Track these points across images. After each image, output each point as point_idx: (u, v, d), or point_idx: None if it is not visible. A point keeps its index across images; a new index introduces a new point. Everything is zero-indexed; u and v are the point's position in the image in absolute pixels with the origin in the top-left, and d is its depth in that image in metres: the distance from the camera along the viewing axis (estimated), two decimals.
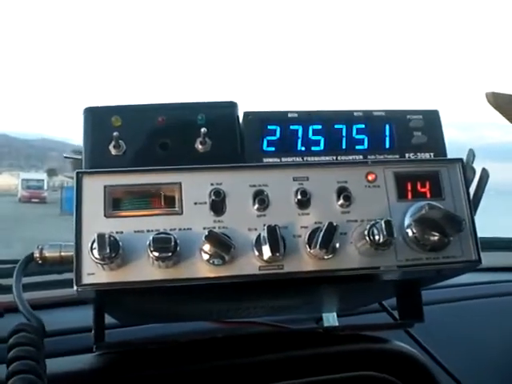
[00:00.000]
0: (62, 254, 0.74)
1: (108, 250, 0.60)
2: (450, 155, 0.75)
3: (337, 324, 1.02)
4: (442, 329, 1.11)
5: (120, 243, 0.62)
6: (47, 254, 0.75)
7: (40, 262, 0.75)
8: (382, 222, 0.64)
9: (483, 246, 0.70)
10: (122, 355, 0.80)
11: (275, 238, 0.63)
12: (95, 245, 0.61)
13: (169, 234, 0.63)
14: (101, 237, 0.60)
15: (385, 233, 0.63)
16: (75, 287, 0.63)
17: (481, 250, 0.70)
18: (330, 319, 1.04)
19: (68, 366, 0.74)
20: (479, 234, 0.70)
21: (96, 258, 0.61)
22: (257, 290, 0.71)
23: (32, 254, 0.76)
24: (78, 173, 0.66)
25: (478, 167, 0.74)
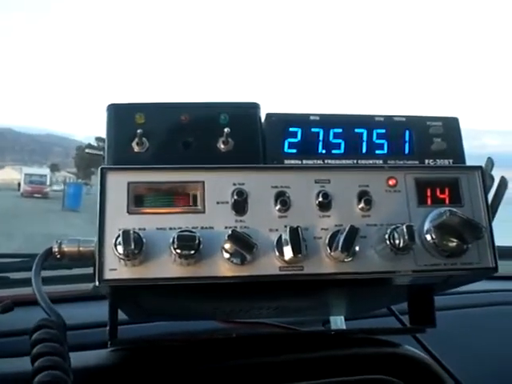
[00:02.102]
0: (81, 249, 0.74)
1: (133, 246, 0.61)
2: None
3: (344, 327, 1.02)
4: (452, 335, 1.11)
5: (143, 239, 0.62)
6: (66, 248, 0.75)
7: (58, 256, 0.75)
8: (404, 227, 0.64)
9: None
10: (135, 352, 0.80)
11: (297, 239, 0.63)
12: (119, 240, 0.61)
13: (193, 231, 0.63)
14: (126, 233, 0.61)
15: (406, 237, 0.64)
16: (97, 282, 0.63)
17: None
18: (338, 322, 1.04)
19: (84, 361, 0.74)
20: None
21: (120, 254, 0.62)
22: (273, 291, 0.72)
23: (50, 248, 0.76)
24: (102, 168, 0.66)
25: None
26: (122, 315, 0.83)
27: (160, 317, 0.97)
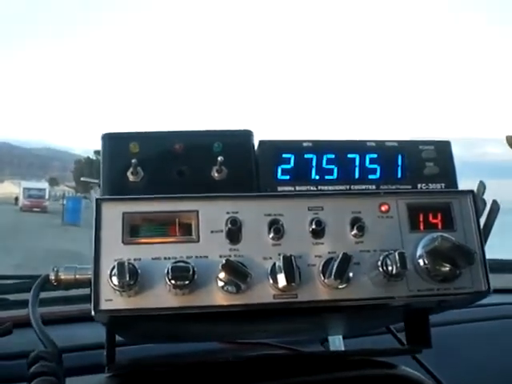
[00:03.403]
0: (77, 276, 0.75)
1: (127, 278, 0.61)
2: None
3: (343, 347, 1.02)
4: (449, 351, 1.11)
5: (138, 270, 0.63)
6: (62, 276, 0.76)
7: (55, 283, 0.76)
8: (396, 254, 0.65)
9: (491, 267, 0.71)
10: (133, 376, 0.80)
11: (291, 267, 0.64)
12: (114, 272, 0.62)
13: (187, 262, 0.64)
14: (120, 264, 0.62)
15: (398, 264, 0.64)
16: (93, 313, 0.64)
17: (489, 271, 0.71)
18: (336, 342, 1.04)
19: None
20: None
21: (115, 285, 0.62)
22: (269, 317, 0.72)
23: (47, 275, 0.76)
24: (97, 200, 0.67)
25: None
26: (118, 337, 0.83)
27: (158, 339, 0.98)
